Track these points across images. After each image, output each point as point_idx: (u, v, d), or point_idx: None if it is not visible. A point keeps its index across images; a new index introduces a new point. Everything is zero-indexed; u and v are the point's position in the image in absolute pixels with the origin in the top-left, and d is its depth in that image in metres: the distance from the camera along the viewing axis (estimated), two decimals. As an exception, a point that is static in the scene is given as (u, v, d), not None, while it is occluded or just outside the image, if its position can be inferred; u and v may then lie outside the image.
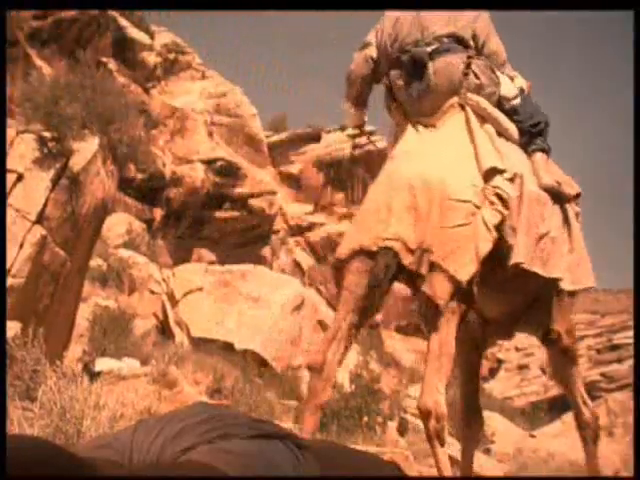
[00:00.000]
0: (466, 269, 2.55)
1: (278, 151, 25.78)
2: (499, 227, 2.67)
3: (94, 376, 6.94)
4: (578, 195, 3.01)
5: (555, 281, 2.82)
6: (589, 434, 3.06)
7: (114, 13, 19.36)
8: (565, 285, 2.85)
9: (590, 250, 3.05)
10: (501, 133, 2.93)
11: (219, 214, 21.98)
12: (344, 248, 2.72)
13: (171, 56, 23.57)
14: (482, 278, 2.61)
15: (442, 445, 2.54)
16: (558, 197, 2.90)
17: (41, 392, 4.00)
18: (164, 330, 15.18)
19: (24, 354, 5.29)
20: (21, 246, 6.24)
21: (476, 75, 2.92)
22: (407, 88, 2.95)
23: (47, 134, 6.80)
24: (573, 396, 3.07)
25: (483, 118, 2.91)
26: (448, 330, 2.55)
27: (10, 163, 6.25)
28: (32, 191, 6.52)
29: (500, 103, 2.98)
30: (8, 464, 0.83)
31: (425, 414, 2.50)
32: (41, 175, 6.60)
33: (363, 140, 26.96)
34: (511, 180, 2.75)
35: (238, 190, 22.24)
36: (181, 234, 20.93)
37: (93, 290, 13.38)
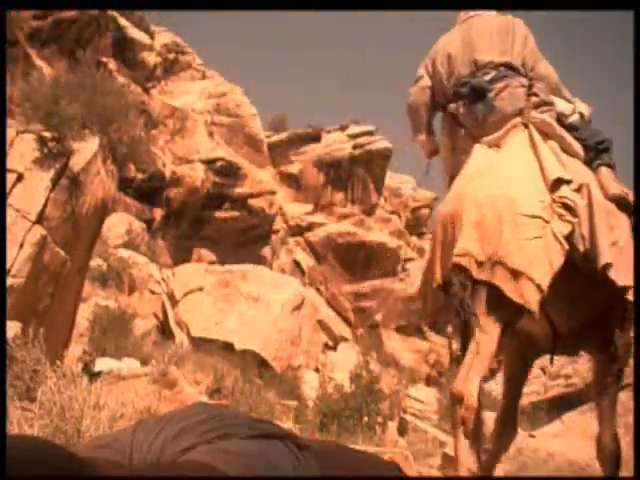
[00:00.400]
0: (545, 280, 2.61)
1: (278, 151, 25.78)
2: (569, 237, 2.72)
3: (94, 376, 6.94)
4: None
5: (624, 292, 2.80)
6: (607, 456, 2.97)
7: (114, 13, 19.37)
8: (631, 296, 2.83)
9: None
10: (565, 149, 2.99)
11: (219, 214, 21.98)
12: (437, 275, 2.81)
13: (171, 56, 23.58)
14: (555, 290, 2.65)
15: (466, 436, 2.57)
16: (625, 207, 2.94)
17: (41, 392, 4.00)
18: (164, 330, 15.18)
19: (24, 354, 5.29)
20: (21, 246, 6.24)
21: (536, 95, 3.03)
22: (471, 113, 3.05)
23: (47, 134, 6.80)
24: (603, 415, 3.03)
25: (546, 135, 2.99)
26: (493, 333, 2.62)
27: (10, 163, 6.24)
28: (32, 191, 6.52)
29: (559, 120, 3.07)
30: (8, 464, 0.83)
31: (456, 399, 2.58)
32: (41, 175, 6.60)
33: (363, 140, 27.00)
34: (577, 190, 2.81)
35: (238, 190, 22.24)
36: (181, 234, 20.92)
37: (93, 290, 13.38)
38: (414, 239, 28.42)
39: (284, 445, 1.17)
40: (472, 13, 3.23)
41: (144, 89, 21.17)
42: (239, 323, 15.37)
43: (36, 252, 6.35)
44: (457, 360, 2.73)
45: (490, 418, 3.25)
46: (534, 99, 3.02)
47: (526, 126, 2.99)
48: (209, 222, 21.75)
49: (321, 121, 27.74)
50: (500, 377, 3.43)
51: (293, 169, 26.32)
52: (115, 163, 7.99)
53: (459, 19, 3.29)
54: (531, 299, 2.59)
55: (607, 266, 2.71)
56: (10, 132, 6.58)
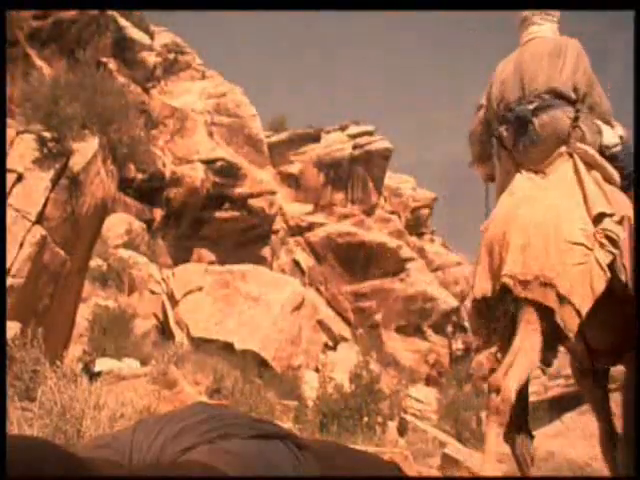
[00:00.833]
0: (585, 304, 2.76)
1: (278, 151, 25.79)
2: (611, 266, 2.88)
3: (94, 376, 6.94)
4: None
5: None
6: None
7: (114, 13, 19.38)
8: None
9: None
10: (607, 179, 3.11)
11: (219, 214, 21.99)
12: (477, 290, 2.98)
13: (171, 56, 23.59)
14: (593, 312, 2.79)
15: (498, 425, 2.65)
16: None
17: (41, 392, 4.00)
18: (164, 330, 15.18)
19: (24, 354, 5.28)
20: (21, 246, 6.24)
21: (581, 129, 3.12)
22: (515, 141, 3.17)
23: (47, 134, 6.80)
24: (628, 426, 3.09)
25: (590, 165, 3.10)
26: (535, 342, 2.75)
27: (10, 163, 6.24)
28: (32, 191, 6.52)
29: (601, 151, 3.17)
30: (8, 464, 0.83)
31: (493, 388, 2.68)
32: (41, 175, 6.60)
33: (363, 140, 27.02)
34: (619, 222, 2.95)
35: (238, 190, 22.24)
36: (181, 234, 20.93)
37: (93, 290, 13.38)
38: (414, 239, 28.42)
39: (284, 445, 1.17)
40: (532, 35, 3.29)
41: (144, 89, 21.18)
42: (239, 323, 15.37)
43: (36, 252, 6.35)
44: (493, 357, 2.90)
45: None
46: (579, 132, 3.10)
47: (571, 155, 3.10)
48: (209, 222, 21.76)
49: (321, 121, 27.73)
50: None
51: (293, 169, 26.33)
52: (115, 163, 7.99)
53: (520, 41, 3.35)
54: (570, 323, 2.75)
55: None
56: (10, 132, 6.58)
